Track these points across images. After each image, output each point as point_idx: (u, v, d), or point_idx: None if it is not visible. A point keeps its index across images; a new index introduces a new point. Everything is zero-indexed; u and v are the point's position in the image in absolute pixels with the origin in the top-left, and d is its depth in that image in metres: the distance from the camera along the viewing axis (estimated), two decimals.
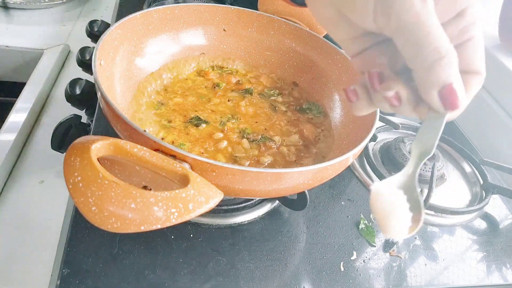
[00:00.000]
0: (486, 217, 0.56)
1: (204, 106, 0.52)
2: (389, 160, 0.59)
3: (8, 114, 0.60)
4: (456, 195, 0.59)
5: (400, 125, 0.64)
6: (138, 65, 0.51)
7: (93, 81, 0.46)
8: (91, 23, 0.72)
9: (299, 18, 0.59)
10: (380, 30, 0.26)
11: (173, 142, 0.45)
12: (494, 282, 0.48)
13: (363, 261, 0.45)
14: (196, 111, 0.51)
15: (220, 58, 0.60)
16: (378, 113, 0.45)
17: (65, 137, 0.53)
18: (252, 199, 0.48)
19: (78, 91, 0.58)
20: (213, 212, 0.45)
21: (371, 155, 0.59)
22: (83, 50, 0.65)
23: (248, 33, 0.60)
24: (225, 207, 0.46)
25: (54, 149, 0.53)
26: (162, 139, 0.45)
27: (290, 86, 0.59)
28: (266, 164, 0.46)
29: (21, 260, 0.44)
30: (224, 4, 0.59)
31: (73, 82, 0.58)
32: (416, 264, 0.47)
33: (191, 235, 0.43)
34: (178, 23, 0.56)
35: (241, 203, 0.47)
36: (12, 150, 0.55)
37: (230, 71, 0.59)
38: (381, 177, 0.55)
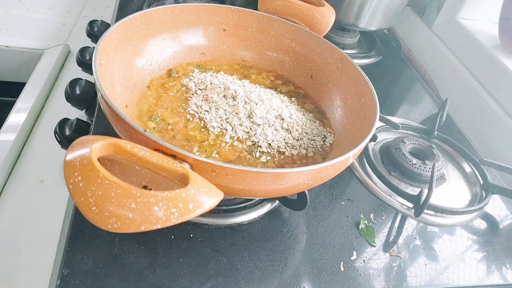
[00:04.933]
0: (486, 217, 0.56)
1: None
2: (389, 160, 0.59)
3: (8, 114, 0.60)
4: (456, 195, 0.59)
5: (400, 125, 0.64)
6: (138, 65, 0.51)
7: (93, 81, 0.46)
8: (91, 23, 0.72)
9: (299, 18, 0.59)
10: None
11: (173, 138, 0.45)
12: (494, 282, 0.48)
13: (363, 261, 0.45)
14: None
15: (220, 58, 0.60)
16: (378, 113, 0.45)
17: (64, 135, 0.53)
18: (252, 199, 0.48)
19: (78, 91, 0.58)
20: (213, 212, 0.45)
21: (371, 155, 0.58)
22: (83, 50, 0.65)
23: (248, 33, 0.60)
24: (225, 207, 0.46)
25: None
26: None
27: (290, 85, 0.59)
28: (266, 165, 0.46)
29: (21, 260, 0.44)
30: (224, 4, 0.59)
31: (73, 82, 0.58)
32: (416, 264, 0.47)
33: (191, 235, 0.43)
34: (178, 23, 0.56)
35: (241, 203, 0.47)
36: (12, 150, 0.55)
37: (230, 71, 0.59)
38: (381, 177, 0.55)
